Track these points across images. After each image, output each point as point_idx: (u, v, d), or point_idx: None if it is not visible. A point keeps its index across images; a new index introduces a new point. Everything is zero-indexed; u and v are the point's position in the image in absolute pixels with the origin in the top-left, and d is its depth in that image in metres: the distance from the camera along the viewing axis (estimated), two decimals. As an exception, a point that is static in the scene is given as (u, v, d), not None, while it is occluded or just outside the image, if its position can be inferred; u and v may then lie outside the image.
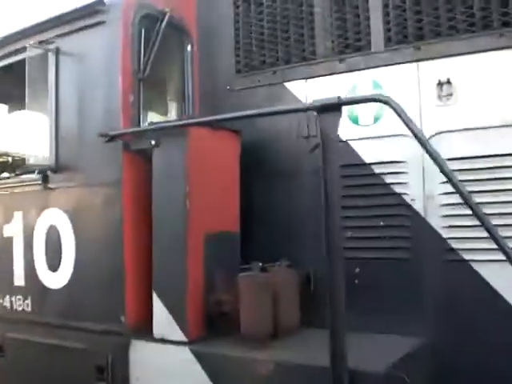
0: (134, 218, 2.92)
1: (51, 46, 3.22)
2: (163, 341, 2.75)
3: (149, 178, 2.94)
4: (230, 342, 2.66)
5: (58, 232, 3.17)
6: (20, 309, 3.40)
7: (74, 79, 3.15)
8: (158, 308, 2.78)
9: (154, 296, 2.80)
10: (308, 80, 3.12)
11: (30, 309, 3.34)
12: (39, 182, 3.27)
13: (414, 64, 2.80)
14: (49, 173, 3.22)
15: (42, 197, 3.29)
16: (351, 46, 3.00)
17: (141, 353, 2.82)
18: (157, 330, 2.78)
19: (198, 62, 3.48)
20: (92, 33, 3.10)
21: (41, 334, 3.22)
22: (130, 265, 2.90)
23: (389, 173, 2.83)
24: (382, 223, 2.83)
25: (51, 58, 3.22)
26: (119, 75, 2.96)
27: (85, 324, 3.02)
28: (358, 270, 2.91)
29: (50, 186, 3.24)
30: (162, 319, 2.77)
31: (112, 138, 2.91)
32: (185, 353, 2.66)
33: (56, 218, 3.18)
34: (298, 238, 3.07)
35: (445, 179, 1.99)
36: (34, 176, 3.28)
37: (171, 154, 2.79)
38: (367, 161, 2.90)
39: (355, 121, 2.96)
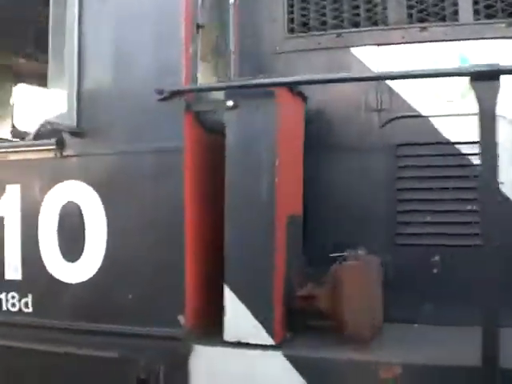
0: (196, 196, 2.39)
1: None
2: (241, 345, 2.28)
3: (209, 147, 2.44)
4: (324, 342, 2.28)
5: (79, 211, 2.51)
6: (14, 309, 2.67)
7: (107, 16, 2.50)
8: (233, 305, 2.29)
9: (227, 291, 2.30)
10: (380, 47, 2.80)
11: (30, 309, 2.62)
12: (52, 147, 2.57)
13: (508, 41, 2.62)
14: (66, 135, 2.53)
15: (54, 166, 2.58)
16: (432, 14, 2.74)
17: (208, 361, 2.31)
18: (231, 333, 2.29)
19: (240, 15, 2.98)
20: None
21: (50, 340, 2.54)
22: (191, 252, 2.36)
23: (476, 154, 2.63)
24: (469, 207, 2.62)
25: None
26: (182, 19, 2.38)
27: (120, 327, 2.42)
28: (437, 257, 2.68)
29: (66, 152, 2.55)
30: (238, 319, 2.29)
31: (170, 96, 2.35)
32: (275, 358, 2.22)
33: (77, 193, 2.51)
34: (363, 222, 2.76)
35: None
36: (47, 141, 2.57)
37: (255, 119, 2.30)
38: (452, 139, 2.67)
39: (437, 95, 2.71)
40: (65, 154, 2.54)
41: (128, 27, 2.47)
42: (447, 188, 2.62)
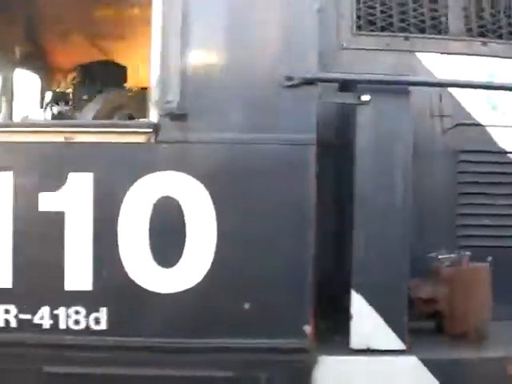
0: (320, 193, 2.21)
1: None
2: (370, 352, 2.18)
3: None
4: (443, 343, 2.30)
5: (178, 207, 2.14)
6: (77, 327, 2.15)
7: None
8: (361, 310, 2.19)
9: (355, 295, 2.18)
10: (443, 55, 2.92)
11: (103, 326, 2.14)
12: (145, 130, 2.13)
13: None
14: (164, 119, 2.13)
15: (145, 152, 2.16)
16: (491, 31, 2.95)
17: (335, 372, 2.16)
18: (358, 340, 2.18)
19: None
20: None
21: (134, 362, 2.11)
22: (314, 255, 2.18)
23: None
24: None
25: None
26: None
27: (235, 341, 2.12)
28: (490, 258, 2.88)
29: (163, 137, 2.15)
30: (366, 324, 2.19)
31: (300, 84, 2.14)
32: (411, 363, 2.17)
33: (176, 186, 2.13)
34: (426, 224, 2.84)
35: None
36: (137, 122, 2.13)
37: (391, 117, 2.23)
38: (507, 149, 2.90)
39: (494, 107, 2.92)
40: (160, 139, 2.14)
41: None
42: (504, 194, 2.85)
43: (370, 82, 2.25)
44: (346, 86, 2.24)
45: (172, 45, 2.14)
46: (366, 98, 2.21)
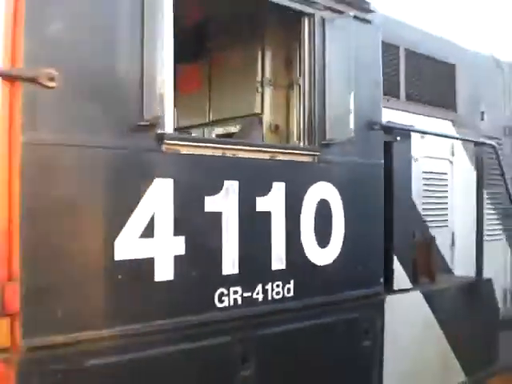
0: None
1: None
2: (402, 291, 3.73)
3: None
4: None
5: (329, 207, 3.19)
6: (278, 297, 2.94)
7: (341, 56, 3.26)
8: (396, 267, 3.71)
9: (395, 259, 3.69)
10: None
11: (291, 293, 3.00)
12: (312, 153, 3.09)
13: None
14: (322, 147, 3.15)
15: (312, 169, 3.11)
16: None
17: (391, 305, 3.61)
18: (396, 284, 3.69)
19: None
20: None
21: (307, 316, 3.08)
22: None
23: None
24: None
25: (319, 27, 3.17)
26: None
27: (349, 294, 3.33)
28: None
29: (321, 159, 3.15)
30: (400, 275, 3.73)
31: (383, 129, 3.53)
32: (416, 294, 3.82)
33: (327, 192, 3.19)
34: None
35: None
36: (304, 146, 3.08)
37: (408, 150, 3.83)
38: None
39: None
40: (321, 159, 3.16)
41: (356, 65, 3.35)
42: None
43: (400, 129, 3.77)
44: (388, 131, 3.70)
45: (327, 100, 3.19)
46: (398, 138, 3.74)
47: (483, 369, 4.29)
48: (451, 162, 4.95)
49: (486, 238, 4.60)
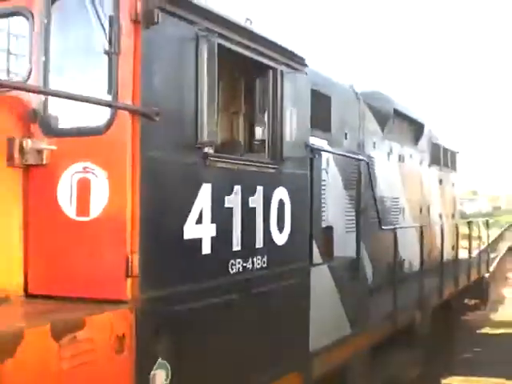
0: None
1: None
2: (317, 264, 5.29)
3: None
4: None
5: (283, 204, 4.60)
6: (259, 266, 4.27)
7: (292, 98, 4.71)
8: (314, 248, 5.26)
9: (314, 242, 5.25)
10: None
11: (265, 265, 4.35)
12: (275, 167, 4.48)
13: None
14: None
15: (276, 178, 4.48)
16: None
17: (312, 274, 5.13)
18: (315, 260, 5.25)
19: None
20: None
21: (273, 280, 4.46)
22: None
23: None
24: None
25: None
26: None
27: (293, 265, 4.77)
28: None
29: (281, 170, 4.54)
30: (316, 254, 5.29)
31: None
32: (325, 268, 5.43)
33: (282, 194, 4.59)
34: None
35: None
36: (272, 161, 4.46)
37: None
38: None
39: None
40: (280, 171, 4.57)
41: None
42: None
43: (317, 149, 5.33)
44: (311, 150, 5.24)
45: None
46: (316, 156, 5.30)
47: (359, 324, 6.05)
48: (327, 172, 6.72)
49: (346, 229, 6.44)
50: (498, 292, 17.57)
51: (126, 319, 3.10)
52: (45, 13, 3.33)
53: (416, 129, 10.30)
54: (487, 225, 14.71)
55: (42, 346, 2.63)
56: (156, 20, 3.16)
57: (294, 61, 4.75)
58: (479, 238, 13.89)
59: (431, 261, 9.43)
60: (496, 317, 14.74)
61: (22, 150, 3.22)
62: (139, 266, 3.15)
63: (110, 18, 3.13)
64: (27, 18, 3.45)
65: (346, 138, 7.20)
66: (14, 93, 3.33)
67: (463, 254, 12.03)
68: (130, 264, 3.11)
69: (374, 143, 8.26)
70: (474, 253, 12.72)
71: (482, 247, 14.07)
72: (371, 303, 6.46)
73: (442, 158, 12.08)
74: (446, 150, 12.44)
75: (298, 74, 4.76)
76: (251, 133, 4.74)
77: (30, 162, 3.25)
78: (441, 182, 12.15)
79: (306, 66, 4.93)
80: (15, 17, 3.56)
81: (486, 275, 13.89)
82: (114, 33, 3.11)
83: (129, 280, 3.12)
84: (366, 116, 8.04)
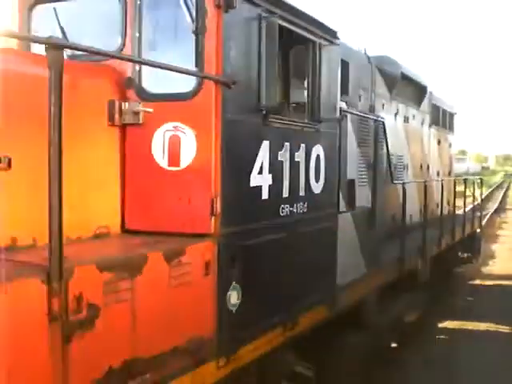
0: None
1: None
2: (343, 212, 6.15)
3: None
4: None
5: (319, 159, 5.41)
6: (301, 211, 5.11)
7: (329, 68, 5.46)
8: (340, 198, 6.11)
9: (340, 193, 6.09)
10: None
11: (306, 210, 5.19)
12: (314, 127, 5.26)
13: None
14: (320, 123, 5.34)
15: (315, 136, 5.27)
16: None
17: (339, 219, 5.99)
18: (341, 208, 6.10)
19: None
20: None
21: (312, 223, 5.31)
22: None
23: None
24: None
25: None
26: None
27: (327, 211, 5.62)
28: None
29: (318, 129, 5.33)
30: (341, 203, 6.14)
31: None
32: (348, 215, 6.29)
33: (319, 150, 5.39)
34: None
35: None
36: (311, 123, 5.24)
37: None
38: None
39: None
40: (317, 130, 5.35)
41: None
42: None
43: (344, 111, 6.11)
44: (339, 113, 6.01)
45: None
46: (343, 117, 6.08)
47: (374, 265, 6.97)
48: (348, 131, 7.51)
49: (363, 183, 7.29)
50: (488, 248, 18.69)
51: (211, 249, 3.93)
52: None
53: (419, 91, 11.03)
54: (481, 183, 15.64)
55: (158, 267, 3.46)
56: (235, 5, 3.87)
57: (330, 34, 5.47)
58: (473, 195, 14.87)
59: (431, 214, 10.34)
60: (486, 270, 15.86)
61: (120, 111, 3.95)
62: (220, 206, 3.96)
63: (197, 3, 3.84)
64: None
65: (360, 100, 7.93)
66: (108, 62, 4.04)
67: (458, 210, 13.02)
68: (214, 205, 3.92)
69: (383, 105, 9.00)
70: (468, 209, 13.70)
71: (475, 204, 15.07)
72: (383, 248, 7.37)
73: (441, 119, 12.86)
74: (444, 112, 13.21)
75: (332, 46, 5.49)
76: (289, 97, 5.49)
77: (128, 121, 3.99)
78: (439, 142, 12.96)
79: (338, 38, 5.66)
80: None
81: (478, 230, 14.92)
82: (200, 16, 3.83)
83: (213, 218, 3.94)
84: (376, 79, 8.75)
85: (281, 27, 4.57)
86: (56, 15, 4.27)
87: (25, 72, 3.47)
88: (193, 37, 3.87)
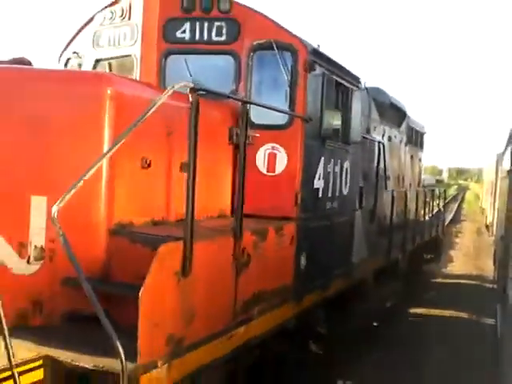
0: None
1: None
2: (356, 210, 8.50)
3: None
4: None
5: (347, 171, 7.74)
6: (335, 207, 7.42)
7: (357, 108, 7.81)
8: (355, 199, 8.47)
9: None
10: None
11: (336, 207, 7.50)
12: (346, 148, 7.61)
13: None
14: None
15: (346, 153, 7.61)
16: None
17: (356, 214, 8.34)
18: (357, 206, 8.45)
19: None
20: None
21: (339, 216, 7.62)
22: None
23: None
24: None
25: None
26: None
27: (349, 208, 7.96)
28: None
29: (348, 149, 7.66)
30: (357, 203, 8.49)
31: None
32: (359, 212, 8.66)
33: (347, 164, 7.72)
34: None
35: None
36: (344, 145, 7.59)
37: None
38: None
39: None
40: (347, 150, 7.70)
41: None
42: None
43: (365, 138, 8.48)
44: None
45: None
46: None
47: (372, 251, 9.34)
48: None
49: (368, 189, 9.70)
50: (447, 253, 21.55)
51: (294, 227, 6.19)
52: (249, 57, 6.24)
53: (400, 115, 13.56)
54: (444, 194, 18.41)
55: (272, 235, 5.68)
56: (317, 70, 6.17)
57: (356, 81, 7.85)
58: (438, 205, 17.60)
59: (409, 218, 12.87)
60: (446, 271, 18.63)
61: (236, 134, 6.15)
62: (300, 199, 6.23)
63: (292, 67, 6.11)
64: (235, 58, 6.35)
65: (361, 124, 10.35)
66: (226, 100, 6.25)
67: (425, 216, 15.66)
68: (297, 198, 6.18)
69: (375, 127, 11.42)
70: (433, 215, 16.41)
71: (437, 212, 17.81)
72: (378, 240, 9.78)
73: (414, 138, 15.47)
74: (417, 132, 15.84)
75: (358, 90, 7.87)
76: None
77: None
78: (412, 157, 15.56)
79: (360, 83, 8.04)
80: (224, 55, 6.41)
81: (440, 235, 17.66)
82: (294, 75, 6.09)
83: (295, 207, 6.19)
84: (371, 107, 11.19)
85: (334, 80, 6.90)
86: (186, 64, 6.43)
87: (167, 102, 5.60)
88: (287, 89, 6.13)
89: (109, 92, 4.52)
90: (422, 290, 15.16)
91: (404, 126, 14.09)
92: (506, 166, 12.77)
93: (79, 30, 7.33)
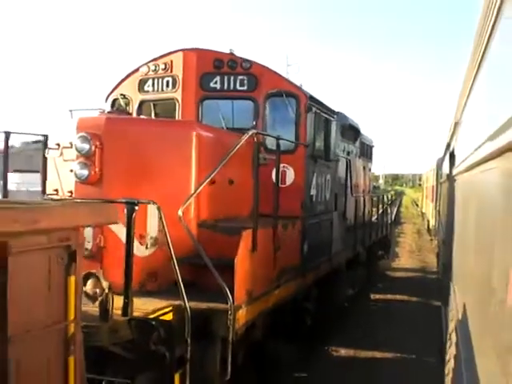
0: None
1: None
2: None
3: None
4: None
5: (329, 181, 10.45)
6: (322, 208, 10.11)
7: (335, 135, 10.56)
8: (333, 203, 11.20)
9: (333, 200, 11.20)
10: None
11: (324, 208, 10.19)
12: (328, 164, 10.34)
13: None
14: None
15: (328, 168, 10.33)
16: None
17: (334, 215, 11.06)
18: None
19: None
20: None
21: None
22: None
23: None
24: None
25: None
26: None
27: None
28: None
29: (329, 165, 10.39)
30: None
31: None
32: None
33: (329, 177, 10.44)
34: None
35: None
36: (327, 162, 10.33)
37: None
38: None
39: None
40: (329, 165, 10.42)
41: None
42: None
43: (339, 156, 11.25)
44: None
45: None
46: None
47: (344, 245, 12.07)
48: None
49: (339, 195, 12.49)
50: (393, 250, 24.80)
51: (300, 224, 8.82)
52: (264, 102, 8.87)
53: (355, 133, 16.46)
54: (391, 199, 21.53)
55: (290, 227, 8.28)
56: (312, 110, 8.86)
57: (333, 113, 10.62)
58: (383, 208, 20.71)
59: (365, 219, 15.79)
60: (395, 264, 21.79)
61: (258, 158, 8.74)
62: (303, 204, 8.88)
63: (297, 109, 8.78)
64: (253, 101, 8.95)
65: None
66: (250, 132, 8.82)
67: (377, 218, 18.67)
68: (302, 203, 8.83)
69: (338, 145, 14.27)
70: (381, 218, 19.49)
71: (382, 214, 20.91)
72: (347, 236, 12.56)
73: (365, 151, 18.45)
74: (367, 146, 18.85)
75: (335, 120, 10.64)
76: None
77: (262, 162, 8.77)
78: (364, 168, 18.53)
79: (336, 114, 10.81)
80: (246, 100, 9.01)
81: (388, 235, 20.77)
82: (298, 115, 8.75)
83: (301, 209, 8.85)
84: (337, 129, 14.03)
85: (321, 115, 9.61)
86: (218, 107, 8.98)
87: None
88: (293, 125, 8.79)
89: (194, 133, 7.03)
90: (379, 279, 18.13)
91: (358, 141, 17.00)
92: (445, 170, 15.67)
93: (125, 78, 9.74)
